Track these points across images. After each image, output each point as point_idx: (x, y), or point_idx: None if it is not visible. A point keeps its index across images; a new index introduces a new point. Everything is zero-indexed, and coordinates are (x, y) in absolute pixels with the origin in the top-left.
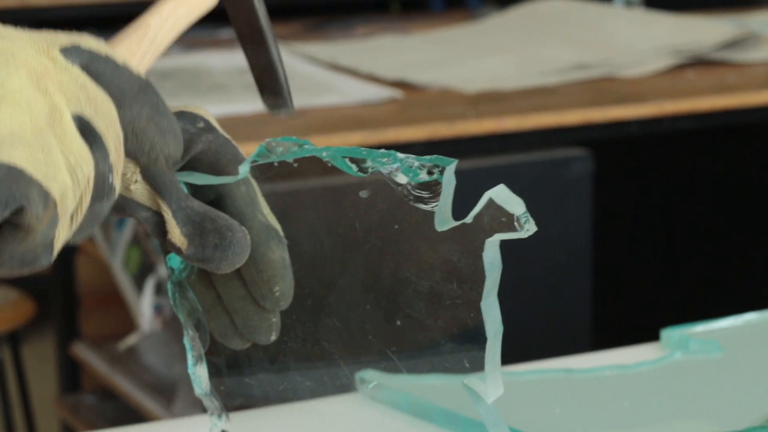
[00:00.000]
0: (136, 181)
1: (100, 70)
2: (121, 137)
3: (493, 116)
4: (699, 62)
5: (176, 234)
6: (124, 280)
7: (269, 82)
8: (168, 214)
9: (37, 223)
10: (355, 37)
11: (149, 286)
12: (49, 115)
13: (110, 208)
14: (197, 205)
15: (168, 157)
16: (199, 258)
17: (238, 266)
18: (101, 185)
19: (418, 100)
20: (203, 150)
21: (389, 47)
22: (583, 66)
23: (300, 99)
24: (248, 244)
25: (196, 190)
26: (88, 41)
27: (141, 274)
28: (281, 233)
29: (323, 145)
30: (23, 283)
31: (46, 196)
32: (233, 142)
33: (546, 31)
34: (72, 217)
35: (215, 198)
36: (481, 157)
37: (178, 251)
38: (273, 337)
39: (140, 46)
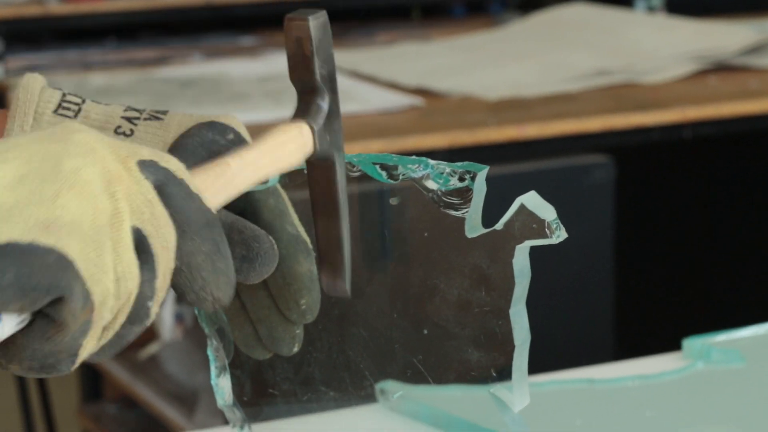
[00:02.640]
0: None
1: (172, 193)
2: (172, 266)
3: (514, 123)
4: (721, 68)
5: None
6: None
7: (331, 259)
8: None
9: (72, 321)
10: (376, 43)
11: (170, 294)
12: (111, 218)
13: (137, 335)
14: (224, 215)
15: (215, 301)
16: None
17: (266, 276)
18: (139, 307)
19: (439, 107)
20: None
21: (410, 54)
22: (605, 72)
23: None
24: (276, 254)
25: None
26: (168, 161)
27: None
28: (310, 246)
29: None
30: None
31: (87, 296)
32: None
33: (568, 37)
34: (103, 331)
35: (244, 210)
36: (503, 164)
37: None
38: (295, 349)
39: (215, 183)
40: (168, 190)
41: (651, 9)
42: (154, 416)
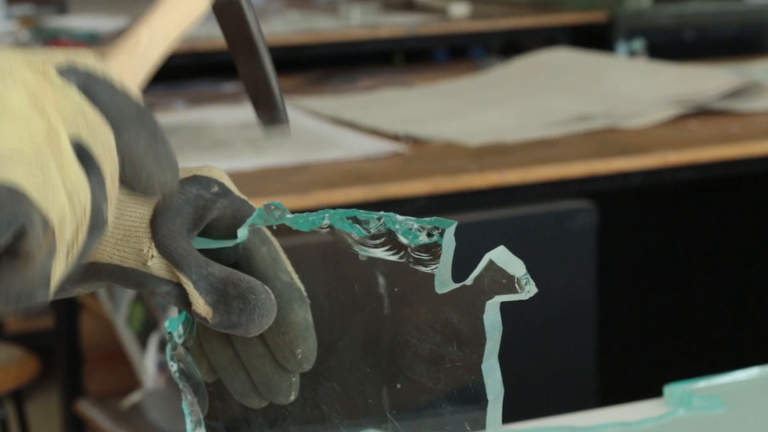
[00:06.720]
0: (152, 256)
1: (97, 93)
2: (117, 166)
3: (496, 169)
4: (702, 112)
5: (200, 304)
6: (128, 337)
7: (263, 96)
8: (189, 286)
9: (38, 250)
10: (358, 89)
11: (153, 342)
12: (47, 137)
13: (96, 242)
14: (218, 270)
15: (164, 185)
16: (226, 325)
17: (266, 327)
18: (96, 216)
19: (421, 153)
20: (219, 216)
21: (392, 100)
22: (586, 117)
23: (303, 154)
24: (273, 304)
25: (216, 255)
26: (85, 60)
27: (145, 330)
28: (304, 293)
29: (325, 200)
30: (28, 341)
31: (45, 221)
32: (249, 202)
33: (549, 82)
34: (68, 250)
35: (237, 261)
36: (485, 210)
37: (205, 321)
38: (292, 397)
39: (131, 60)
40: (93, 90)
41: (632, 53)
42: None
